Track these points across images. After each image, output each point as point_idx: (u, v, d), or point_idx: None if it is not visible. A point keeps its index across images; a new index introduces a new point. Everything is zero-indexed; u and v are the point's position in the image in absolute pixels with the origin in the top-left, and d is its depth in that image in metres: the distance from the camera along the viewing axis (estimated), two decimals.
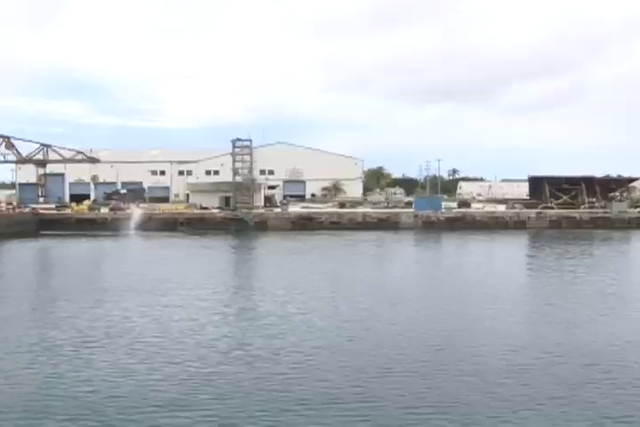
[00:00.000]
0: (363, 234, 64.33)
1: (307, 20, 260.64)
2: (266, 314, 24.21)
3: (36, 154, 68.48)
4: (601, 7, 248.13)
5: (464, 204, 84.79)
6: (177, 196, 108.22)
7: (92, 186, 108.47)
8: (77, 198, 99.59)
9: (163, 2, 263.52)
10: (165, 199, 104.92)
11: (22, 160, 70.02)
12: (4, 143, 66.14)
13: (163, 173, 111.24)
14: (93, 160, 72.04)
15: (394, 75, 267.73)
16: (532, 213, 74.65)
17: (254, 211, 73.34)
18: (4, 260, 47.66)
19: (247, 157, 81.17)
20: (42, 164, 69.93)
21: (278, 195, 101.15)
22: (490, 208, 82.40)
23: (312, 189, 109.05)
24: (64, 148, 70.07)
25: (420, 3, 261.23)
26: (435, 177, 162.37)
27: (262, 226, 70.22)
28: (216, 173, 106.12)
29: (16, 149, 67.33)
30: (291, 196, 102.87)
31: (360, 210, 76.88)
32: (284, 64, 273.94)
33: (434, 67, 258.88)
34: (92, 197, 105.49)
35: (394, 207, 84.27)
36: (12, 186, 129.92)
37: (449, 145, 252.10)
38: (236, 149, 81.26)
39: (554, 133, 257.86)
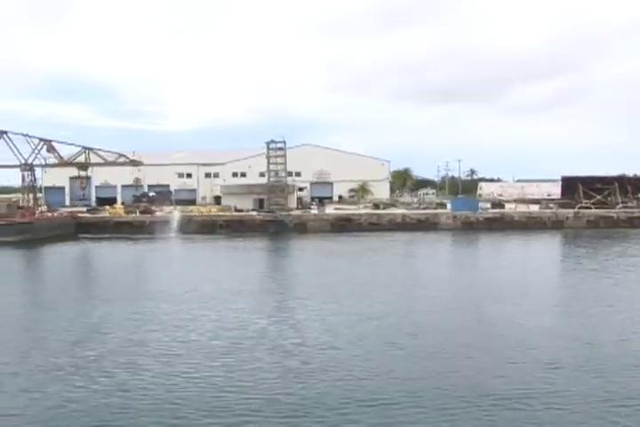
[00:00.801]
0: (405, 235, 64.29)
1: (310, 21, 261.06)
2: (379, 315, 24.11)
3: (78, 157, 68.31)
4: (602, 8, 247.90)
5: (498, 204, 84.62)
6: (204, 198, 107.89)
7: (120, 189, 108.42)
8: (104, 202, 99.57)
9: (164, 3, 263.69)
10: (192, 202, 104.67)
11: (64, 163, 69.81)
12: (45, 147, 66.00)
13: (189, 175, 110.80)
14: (136, 163, 71.78)
15: (396, 75, 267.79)
16: (570, 213, 74.51)
17: (293, 213, 73.18)
18: (63, 263, 47.62)
19: (281, 160, 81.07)
20: (84, 167, 69.79)
21: (306, 197, 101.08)
22: (522, 208, 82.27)
23: (339, 190, 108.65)
24: (106, 151, 69.66)
25: (422, 4, 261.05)
26: (452, 178, 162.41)
27: (301, 228, 70.10)
28: (243, 175, 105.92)
29: (57, 153, 67.20)
30: (319, 198, 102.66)
31: (399, 211, 76.72)
32: (288, 65, 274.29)
33: (436, 67, 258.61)
34: (119, 200, 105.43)
35: (426, 208, 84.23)
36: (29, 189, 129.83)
37: (452, 145, 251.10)
38: (270, 151, 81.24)
39: (554, 133, 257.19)
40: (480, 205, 77.50)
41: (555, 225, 72.24)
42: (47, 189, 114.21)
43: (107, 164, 71.05)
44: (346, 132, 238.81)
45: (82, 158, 68.84)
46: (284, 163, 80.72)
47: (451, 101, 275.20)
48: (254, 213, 74.09)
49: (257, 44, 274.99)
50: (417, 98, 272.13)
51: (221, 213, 73.33)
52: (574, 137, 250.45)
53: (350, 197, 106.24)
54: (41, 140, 65.99)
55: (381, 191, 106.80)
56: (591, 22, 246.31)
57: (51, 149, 66.13)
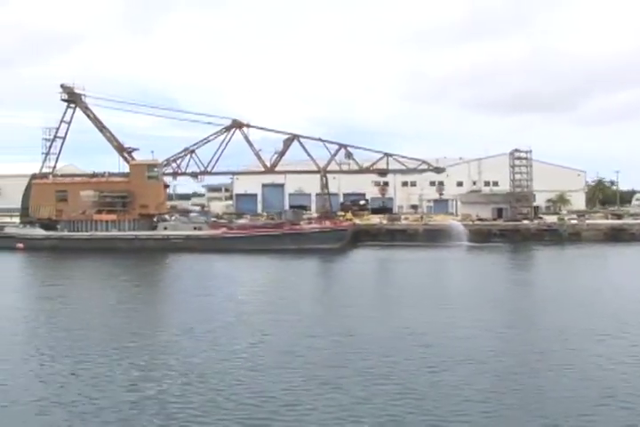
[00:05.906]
0: None
1: (388, 32, 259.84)
2: None
3: (377, 163, 69.21)
4: None
5: None
6: (400, 207, 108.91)
7: (314, 197, 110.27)
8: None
9: (236, 11, 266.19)
10: (387, 210, 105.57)
11: (363, 170, 71.11)
12: (344, 152, 66.78)
13: (386, 183, 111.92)
14: (439, 170, 73.15)
15: (474, 85, 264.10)
16: None
17: (567, 222, 73.85)
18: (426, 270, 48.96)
19: (525, 169, 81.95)
20: (383, 173, 71.10)
21: None
22: None
23: (536, 200, 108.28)
24: (409, 157, 70.17)
25: (505, 14, 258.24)
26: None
27: (576, 237, 70.82)
28: (441, 183, 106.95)
29: (354, 159, 68.23)
30: None
31: None
32: (362, 74, 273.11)
33: (518, 76, 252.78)
34: (313, 208, 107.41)
35: None
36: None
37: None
38: (516, 161, 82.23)
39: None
40: None
41: None
42: (238, 196, 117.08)
43: (407, 171, 72.29)
44: (417, 142, 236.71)
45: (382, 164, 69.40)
46: (529, 172, 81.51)
47: (533, 111, 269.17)
48: (526, 221, 74.96)
49: (331, 54, 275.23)
50: (492, 108, 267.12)
51: (496, 223, 74.47)
52: None
53: (546, 207, 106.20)
54: (339, 145, 66.94)
55: (578, 202, 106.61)
56: None
57: (348, 154, 67.10)
